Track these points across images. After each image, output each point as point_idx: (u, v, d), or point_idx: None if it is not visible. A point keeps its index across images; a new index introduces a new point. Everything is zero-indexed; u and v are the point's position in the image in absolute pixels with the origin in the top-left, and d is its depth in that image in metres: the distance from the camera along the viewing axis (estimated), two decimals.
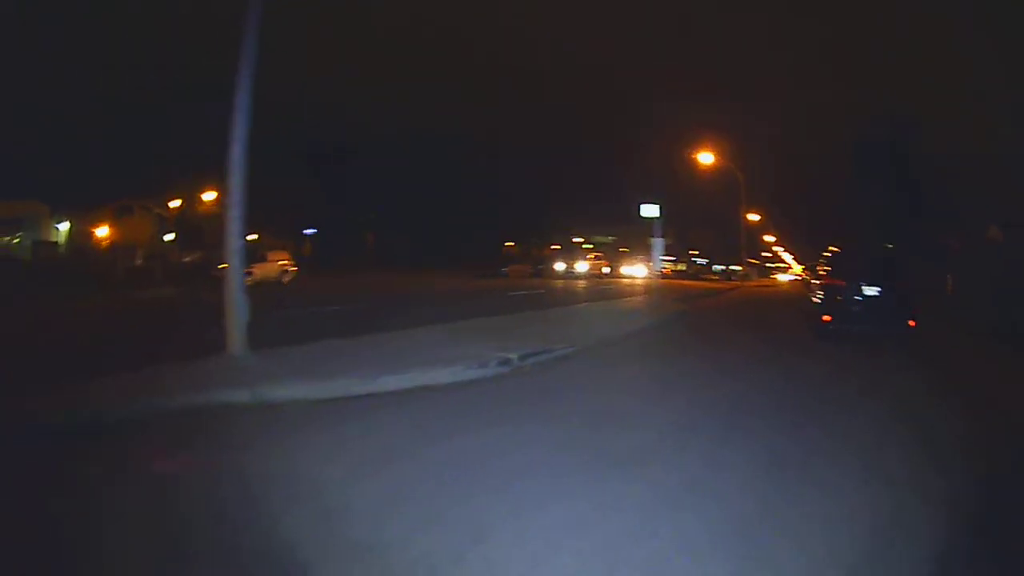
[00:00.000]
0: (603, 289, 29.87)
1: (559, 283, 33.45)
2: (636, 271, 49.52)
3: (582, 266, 48.21)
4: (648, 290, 25.97)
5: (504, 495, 4.08)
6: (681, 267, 66.50)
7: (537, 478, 4.40)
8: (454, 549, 3.33)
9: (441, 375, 7.54)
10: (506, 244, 60.91)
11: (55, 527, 3.50)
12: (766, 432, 5.81)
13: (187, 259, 43.48)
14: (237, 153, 7.95)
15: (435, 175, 62.10)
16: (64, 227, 48.70)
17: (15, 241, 43.43)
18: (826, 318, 12.45)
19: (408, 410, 6.30)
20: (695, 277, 58.86)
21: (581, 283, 33.64)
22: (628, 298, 23.61)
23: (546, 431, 5.64)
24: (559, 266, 48.14)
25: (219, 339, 8.01)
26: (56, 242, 46.94)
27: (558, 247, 58.46)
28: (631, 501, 4.04)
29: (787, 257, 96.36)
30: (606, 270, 50.89)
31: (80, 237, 48.17)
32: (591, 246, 62.44)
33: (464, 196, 63.60)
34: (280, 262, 27.91)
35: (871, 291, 12.15)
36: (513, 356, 8.57)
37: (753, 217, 55.66)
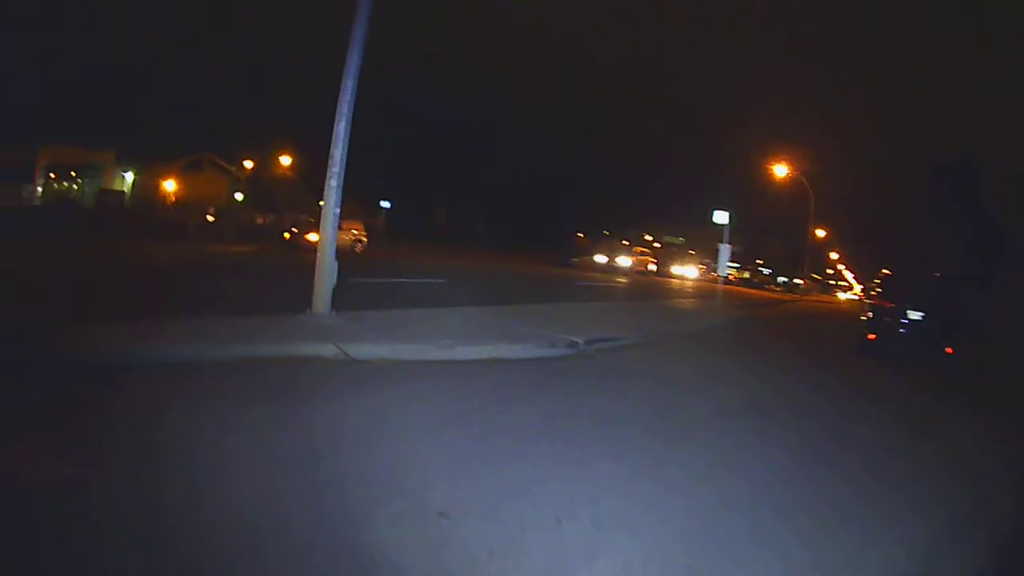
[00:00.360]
0: (665, 289, 29.89)
1: (623, 278, 33.32)
2: (687, 271, 48.92)
3: (624, 261, 44.60)
4: (707, 294, 26.03)
5: (567, 448, 4.76)
6: (745, 275, 65.43)
7: (591, 439, 5.09)
8: (536, 477, 4.10)
9: (513, 350, 8.09)
10: (577, 235, 60.34)
11: (211, 435, 4.15)
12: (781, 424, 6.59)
13: (259, 220, 44.87)
14: (342, 129, 8.60)
15: (516, 159, 62.45)
16: (129, 177, 50.20)
17: (75, 188, 44.89)
18: (871, 336, 13.04)
19: (486, 376, 6.91)
20: (758, 286, 57.82)
21: (623, 279, 32.95)
22: (689, 299, 23.80)
23: (604, 405, 6.30)
24: (599, 258, 43.95)
25: (297, 298, 8.69)
26: (122, 191, 48.59)
27: (627, 242, 57.61)
28: (665, 466, 4.65)
29: (849, 276, 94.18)
30: (652, 267, 48.29)
31: (146, 189, 49.51)
32: (657, 246, 61.66)
33: (544, 184, 63.99)
34: (353, 232, 28.64)
35: (915, 315, 12.63)
36: (580, 340, 9.06)
37: (820, 233, 54.67)
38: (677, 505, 3.95)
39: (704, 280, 45.08)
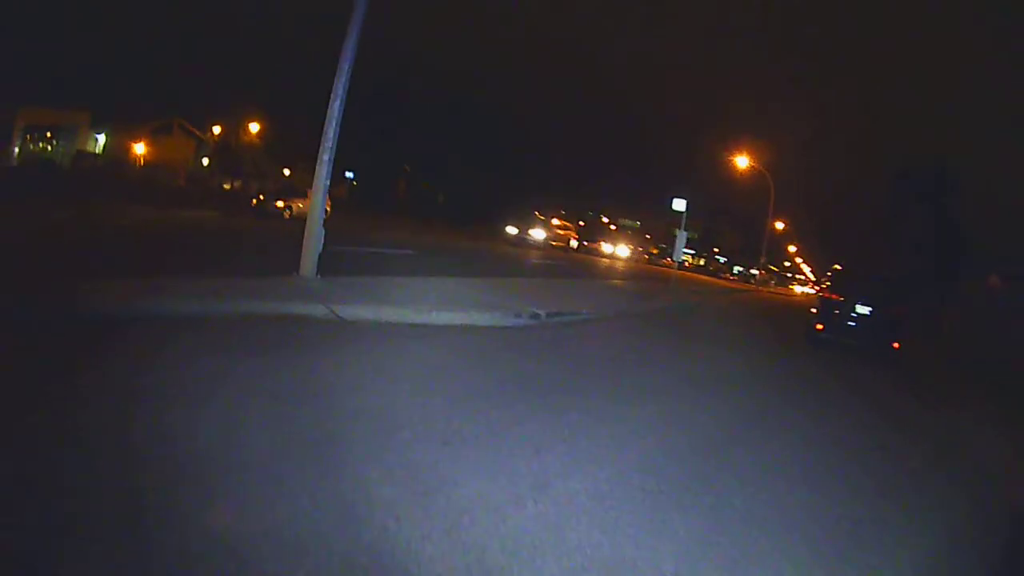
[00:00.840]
0: (606, 269, 30.75)
1: (536, 251, 32.97)
2: (620, 250, 50.13)
3: (538, 233, 38.28)
4: (660, 277, 27.05)
5: (540, 400, 5.52)
6: (701, 262, 66.80)
7: (559, 394, 5.86)
8: (515, 420, 4.87)
9: (483, 318, 8.90)
10: (536, 214, 60.62)
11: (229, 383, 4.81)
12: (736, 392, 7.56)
13: (226, 186, 44.87)
14: (336, 108, 9.22)
15: (483, 136, 62.50)
16: (101, 139, 49.96)
17: (49, 148, 44.57)
18: (819, 326, 13.60)
19: (463, 339, 7.71)
20: (714, 274, 59.06)
21: (536, 253, 31.58)
22: (641, 282, 24.88)
23: (570, 368, 7.16)
24: (510, 230, 38.27)
25: (280, 262, 9.39)
26: (96, 153, 48.23)
27: (582, 224, 58.34)
28: (622, 421, 5.48)
29: (807, 269, 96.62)
30: (574, 243, 44.03)
31: (117, 150, 49.11)
32: (613, 227, 62.69)
33: (508, 163, 64.27)
34: None
35: (863, 310, 13.19)
36: (542, 312, 9.92)
37: (779, 225, 56.25)
38: (633, 447, 4.79)
39: (635, 260, 46.18)
